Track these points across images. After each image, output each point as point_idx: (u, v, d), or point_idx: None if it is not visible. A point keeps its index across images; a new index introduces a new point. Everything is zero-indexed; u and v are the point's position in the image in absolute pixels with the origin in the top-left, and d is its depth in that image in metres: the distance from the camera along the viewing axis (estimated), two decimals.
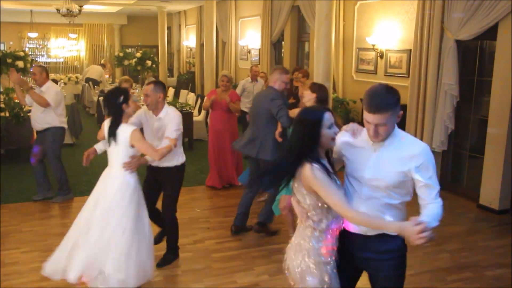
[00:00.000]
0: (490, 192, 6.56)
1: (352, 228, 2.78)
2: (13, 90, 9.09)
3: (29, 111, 9.00)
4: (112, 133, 4.03)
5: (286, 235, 5.56)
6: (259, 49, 13.58)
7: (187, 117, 10.04)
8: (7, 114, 8.73)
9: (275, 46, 13.14)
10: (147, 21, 23.11)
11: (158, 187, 4.81)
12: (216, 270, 4.81)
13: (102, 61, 19.10)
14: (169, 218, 4.82)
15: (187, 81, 18.44)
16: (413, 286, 4.40)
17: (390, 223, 2.60)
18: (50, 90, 6.60)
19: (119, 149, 4.04)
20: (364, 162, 2.71)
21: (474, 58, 7.18)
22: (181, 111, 10.01)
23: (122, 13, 22.43)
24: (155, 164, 4.62)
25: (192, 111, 10.52)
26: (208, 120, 8.00)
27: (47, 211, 6.53)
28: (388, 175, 2.64)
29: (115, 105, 4.05)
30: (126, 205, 3.98)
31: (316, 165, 2.60)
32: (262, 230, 5.69)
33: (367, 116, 2.59)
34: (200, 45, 17.92)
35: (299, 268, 2.76)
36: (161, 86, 4.59)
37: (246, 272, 4.77)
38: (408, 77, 7.90)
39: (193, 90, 16.81)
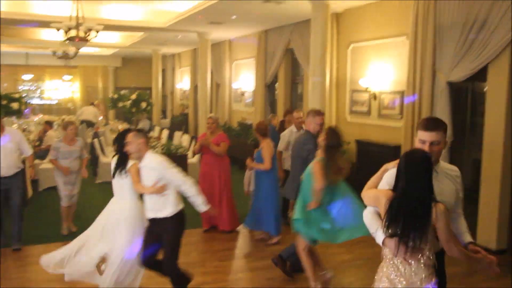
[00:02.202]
0: (487, 232, 6.54)
1: None
2: None
3: None
4: (120, 167, 4.76)
5: (279, 278, 5.50)
6: (253, 91, 13.72)
7: (181, 160, 10.05)
8: None
9: (269, 88, 13.29)
10: (142, 63, 23.41)
11: (156, 238, 4.66)
12: None
13: (95, 102, 19.12)
14: (168, 272, 4.63)
15: (181, 123, 18.53)
16: None
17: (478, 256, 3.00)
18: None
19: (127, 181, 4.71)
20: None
21: (466, 99, 7.30)
22: (175, 153, 10.04)
23: (117, 55, 22.72)
24: (151, 215, 4.60)
25: (186, 153, 10.52)
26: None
27: (36, 256, 6.35)
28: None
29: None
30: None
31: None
32: (280, 263, 5.50)
33: (423, 135, 2.99)
34: (194, 87, 18.10)
35: None
36: (142, 133, 4.66)
37: None
38: (401, 118, 7.99)
39: (187, 132, 16.86)
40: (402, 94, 8.07)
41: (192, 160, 10.81)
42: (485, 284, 5.50)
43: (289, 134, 7.49)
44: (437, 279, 2.93)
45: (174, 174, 4.53)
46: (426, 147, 2.96)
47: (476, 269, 2.67)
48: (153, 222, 4.61)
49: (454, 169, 3.17)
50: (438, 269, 3.00)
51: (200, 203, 4.71)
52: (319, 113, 5.63)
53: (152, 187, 4.45)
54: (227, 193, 7.42)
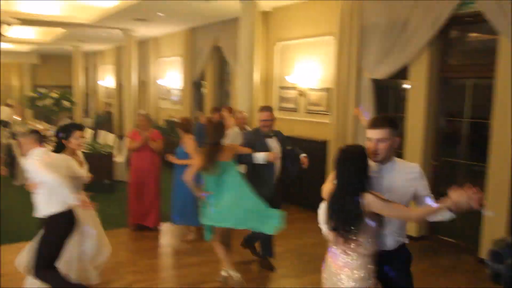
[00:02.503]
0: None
1: None
2: None
3: None
4: None
5: (214, 273, 5.49)
6: (181, 88, 13.57)
7: (107, 159, 9.78)
8: None
9: (196, 85, 13.20)
10: (62, 61, 22.46)
11: None
12: None
13: (8, 101, 18.00)
14: (36, 276, 4.33)
15: (105, 122, 17.97)
16: None
17: (445, 203, 2.87)
18: None
19: None
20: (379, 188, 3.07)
21: (388, 96, 7.62)
22: (101, 152, 9.73)
23: (34, 52, 21.65)
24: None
25: (111, 151, 10.22)
26: (130, 160, 7.70)
27: None
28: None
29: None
30: None
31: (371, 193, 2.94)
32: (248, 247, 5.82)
33: (370, 133, 3.06)
34: (119, 85, 17.64)
35: None
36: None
37: None
38: (328, 114, 8.20)
39: (110, 131, 16.38)
40: (329, 91, 8.28)
41: (119, 158, 10.53)
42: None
43: (234, 135, 7.21)
44: (378, 267, 3.09)
45: None
46: (372, 145, 3.04)
47: (460, 210, 2.74)
48: None
49: (412, 167, 3.18)
50: (402, 268, 3.24)
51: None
52: (264, 108, 5.60)
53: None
54: (157, 190, 7.36)
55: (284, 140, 5.69)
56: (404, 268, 3.28)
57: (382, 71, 7.15)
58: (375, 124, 3.09)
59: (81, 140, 4.69)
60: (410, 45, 6.67)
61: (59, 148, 4.62)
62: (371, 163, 3.08)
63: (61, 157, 4.52)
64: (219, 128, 5.16)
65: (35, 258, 4.27)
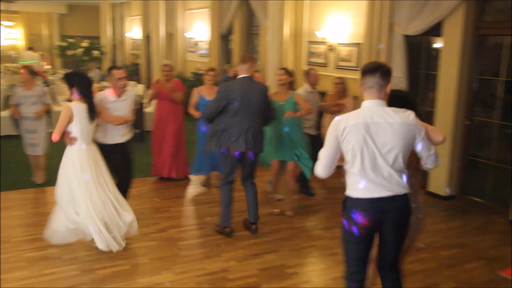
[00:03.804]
0: (437, 181, 6.95)
1: None
2: None
3: None
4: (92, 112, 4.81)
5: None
6: (208, 41, 13.58)
7: (137, 109, 9.93)
8: None
9: (224, 39, 13.18)
10: (89, 11, 22.45)
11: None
12: (183, 258, 4.86)
13: (33, 48, 18.04)
14: (128, 181, 5.55)
15: (132, 73, 18.10)
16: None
17: None
18: None
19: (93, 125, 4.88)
20: None
21: (421, 52, 7.57)
22: None
23: (62, 1, 21.68)
24: (120, 140, 5.34)
25: (142, 102, 10.41)
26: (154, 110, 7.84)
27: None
28: None
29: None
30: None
31: None
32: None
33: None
34: (146, 37, 17.65)
35: None
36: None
37: (213, 258, 4.85)
38: (358, 70, 8.19)
39: (138, 82, 16.55)
40: (359, 46, 8.26)
41: (148, 109, 10.72)
42: (436, 226, 5.90)
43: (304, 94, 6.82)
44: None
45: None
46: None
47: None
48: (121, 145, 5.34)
49: None
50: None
51: None
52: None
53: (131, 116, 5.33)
54: (180, 141, 7.47)
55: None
56: None
57: (415, 27, 7.08)
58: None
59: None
60: (445, 0, 6.57)
61: None
62: None
63: None
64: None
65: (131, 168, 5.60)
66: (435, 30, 6.91)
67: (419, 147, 3.10)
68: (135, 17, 19.65)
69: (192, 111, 6.80)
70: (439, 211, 6.43)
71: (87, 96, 4.77)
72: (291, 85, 6.08)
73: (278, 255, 4.98)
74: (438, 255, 5.09)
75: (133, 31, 20.11)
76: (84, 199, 4.63)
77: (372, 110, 3.05)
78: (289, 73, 6.03)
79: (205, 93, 6.77)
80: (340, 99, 7.23)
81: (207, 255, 4.92)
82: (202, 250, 5.07)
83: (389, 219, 3.11)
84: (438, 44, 7.19)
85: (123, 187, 5.34)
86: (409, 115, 3.04)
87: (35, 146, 6.94)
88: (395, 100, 3.26)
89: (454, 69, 6.65)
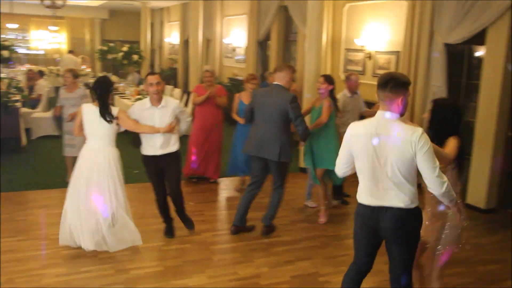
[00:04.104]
0: (477, 193, 6.77)
1: None
2: (1, 79, 8.99)
3: (17, 100, 8.92)
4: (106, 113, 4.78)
5: (282, 229, 5.70)
6: (245, 47, 13.65)
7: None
8: None
9: (261, 45, 13.23)
10: (129, 17, 22.94)
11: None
12: (216, 262, 4.88)
13: (73, 52, 18.50)
14: (178, 196, 5.38)
15: (169, 77, 18.38)
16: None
17: None
18: None
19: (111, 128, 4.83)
20: None
21: (462, 61, 7.40)
22: None
23: (104, 7, 22.22)
24: (159, 152, 5.09)
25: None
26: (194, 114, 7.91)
27: (38, 201, 6.49)
28: None
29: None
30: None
31: None
32: (271, 231, 5.71)
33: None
34: (184, 42, 17.89)
35: None
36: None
37: (246, 264, 4.85)
38: None
39: (176, 86, 16.77)
40: (397, 54, 8.15)
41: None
42: (475, 240, 5.74)
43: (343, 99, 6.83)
44: None
45: (185, 112, 5.27)
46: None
47: None
48: (159, 158, 5.11)
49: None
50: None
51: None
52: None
53: (169, 126, 4.98)
54: (219, 145, 7.56)
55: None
56: None
57: (457, 35, 6.94)
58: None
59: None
60: (490, 8, 6.41)
61: None
62: None
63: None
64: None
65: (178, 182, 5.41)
66: (478, 38, 6.75)
67: (419, 165, 3.03)
68: (174, 22, 19.96)
69: (235, 116, 6.99)
70: (478, 224, 6.25)
71: (100, 99, 4.82)
72: (331, 93, 6.03)
73: (311, 262, 4.95)
74: (475, 270, 4.94)
75: (172, 36, 20.41)
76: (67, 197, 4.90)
77: (379, 121, 3.11)
78: (329, 80, 5.96)
79: (245, 99, 6.84)
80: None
81: (239, 260, 4.93)
82: (234, 254, 5.08)
83: (384, 229, 3.17)
84: (480, 52, 7.02)
85: (173, 201, 5.38)
86: (414, 132, 2.99)
87: (73, 147, 7.08)
88: (442, 108, 3.41)
89: (497, 78, 6.47)
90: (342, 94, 6.82)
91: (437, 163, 3.01)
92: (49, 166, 8.02)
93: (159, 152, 5.09)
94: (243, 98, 6.95)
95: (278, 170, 5.41)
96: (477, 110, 6.78)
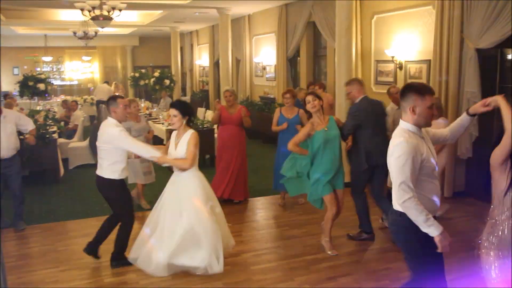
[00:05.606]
0: None
1: None
2: (38, 111, 9.27)
3: (54, 132, 9.18)
4: None
5: (317, 246, 5.65)
6: (274, 65, 13.74)
7: (208, 134, 10.19)
8: None
9: (291, 62, 13.29)
10: (159, 42, 23.46)
11: None
12: (257, 282, 4.87)
13: (109, 81, 19.04)
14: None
15: (201, 99, 18.63)
16: None
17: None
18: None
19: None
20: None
21: (495, 65, 7.27)
22: (202, 128, 10.16)
23: (134, 34, 22.79)
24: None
25: (213, 128, 10.63)
26: (216, 134, 7.99)
27: (78, 230, 6.60)
28: None
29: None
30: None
31: None
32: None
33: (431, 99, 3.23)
34: (214, 63, 18.13)
35: None
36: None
37: (287, 283, 4.83)
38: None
39: (207, 108, 16.97)
40: (428, 63, 8.06)
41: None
42: None
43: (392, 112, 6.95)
44: None
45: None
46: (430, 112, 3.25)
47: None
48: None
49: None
50: None
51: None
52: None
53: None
54: (244, 163, 7.59)
55: None
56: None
57: (487, 40, 6.83)
58: (431, 90, 3.29)
59: None
60: None
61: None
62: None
63: None
64: None
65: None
66: (509, 41, 6.63)
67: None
68: (203, 45, 20.28)
69: (275, 127, 7.27)
70: None
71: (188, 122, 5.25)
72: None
73: (352, 278, 4.89)
74: None
75: (202, 59, 20.72)
76: None
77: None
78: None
79: (285, 112, 7.29)
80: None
81: (280, 279, 4.91)
82: (275, 274, 5.06)
83: None
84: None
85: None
86: (394, 141, 3.22)
87: (149, 174, 7.35)
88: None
89: None
90: (389, 107, 6.95)
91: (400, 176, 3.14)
92: (87, 195, 8.17)
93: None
94: (283, 112, 7.30)
95: (352, 177, 5.94)
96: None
